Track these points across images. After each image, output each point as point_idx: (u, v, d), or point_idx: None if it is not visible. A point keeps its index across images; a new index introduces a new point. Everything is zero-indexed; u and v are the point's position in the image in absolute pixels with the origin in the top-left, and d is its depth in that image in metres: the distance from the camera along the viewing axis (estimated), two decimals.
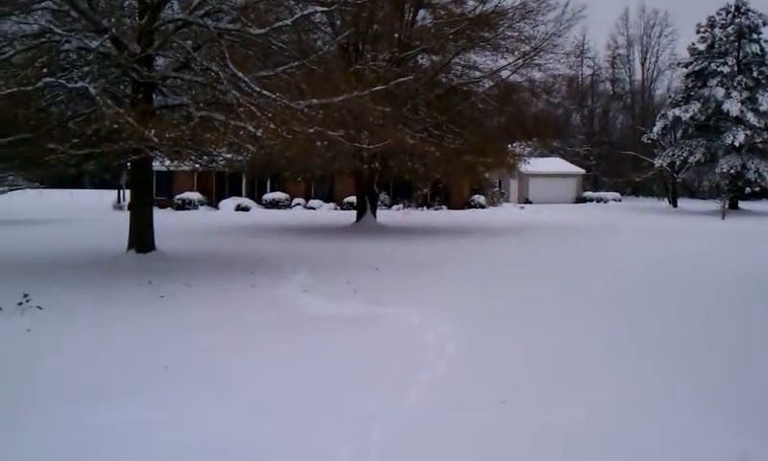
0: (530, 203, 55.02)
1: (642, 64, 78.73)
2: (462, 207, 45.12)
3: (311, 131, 12.93)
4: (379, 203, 32.34)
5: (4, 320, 8.44)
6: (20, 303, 8.86)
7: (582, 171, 62.94)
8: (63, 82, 12.82)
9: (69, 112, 15.42)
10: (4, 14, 13.09)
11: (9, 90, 12.20)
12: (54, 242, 20.58)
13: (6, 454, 4.62)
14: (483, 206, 46.23)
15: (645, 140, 50.04)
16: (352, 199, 36.09)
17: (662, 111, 47.84)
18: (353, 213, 30.61)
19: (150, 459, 4.59)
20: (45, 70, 13.20)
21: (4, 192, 36.96)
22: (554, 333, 8.42)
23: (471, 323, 8.94)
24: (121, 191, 48.22)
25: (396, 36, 24.05)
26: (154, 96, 14.78)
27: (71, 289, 11.50)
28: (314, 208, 44.21)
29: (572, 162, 64.38)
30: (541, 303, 10.53)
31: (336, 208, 43.98)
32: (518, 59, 25.80)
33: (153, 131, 11.92)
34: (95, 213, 39.30)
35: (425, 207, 45.04)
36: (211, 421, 5.27)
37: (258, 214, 39.66)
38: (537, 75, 27.22)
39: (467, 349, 7.58)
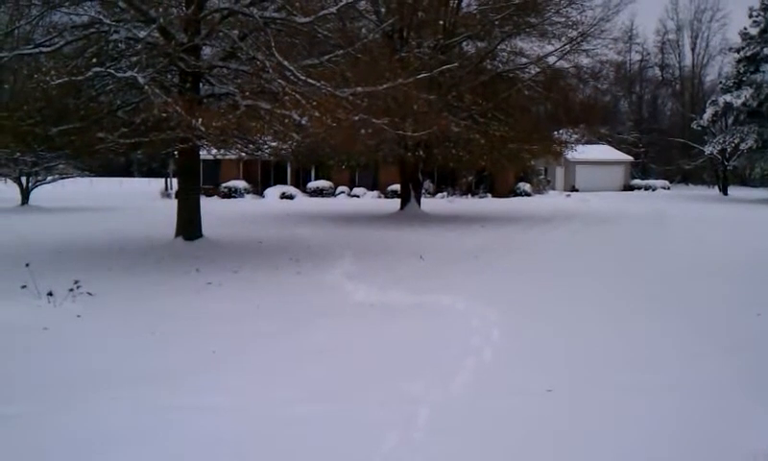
0: (576, 191, 54.34)
1: (692, 50, 77.14)
2: (507, 195, 44.77)
3: (356, 119, 12.92)
4: (423, 191, 32.27)
5: (55, 306, 8.61)
6: (71, 290, 9.03)
7: (630, 158, 61.92)
8: (113, 71, 13.00)
9: (118, 102, 15.66)
10: (54, 6, 13.31)
11: (60, 80, 12.42)
12: (103, 229, 20.97)
13: (59, 436, 4.70)
14: (529, 194, 45.81)
15: (695, 127, 49.05)
16: (396, 187, 36.06)
17: (713, 98, 46.81)
18: (397, 201, 30.58)
19: (195, 442, 4.62)
20: (95, 60, 13.43)
21: (55, 180, 37.73)
22: (602, 321, 8.31)
23: (518, 310, 8.86)
24: (168, 179, 48.98)
25: (441, 22, 23.93)
26: (200, 85, 14.90)
27: (120, 276, 11.71)
28: (358, 196, 44.29)
29: (620, 150, 63.33)
30: (590, 291, 10.40)
31: (380, 197, 44.02)
32: (565, 44, 25.50)
33: (200, 119, 12.03)
34: (143, 201, 39.97)
35: (470, 196, 44.79)
36: (258, 405, 5.30)
37: (303, 202, 39.91)
38: (584, 61, 26.88)
39: (513, 336, 7.51)
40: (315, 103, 12.32)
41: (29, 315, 8.19)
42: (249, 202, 40.66)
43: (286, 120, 13.13)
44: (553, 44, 25.68)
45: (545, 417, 5.11)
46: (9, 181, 38.03)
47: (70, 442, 4.62)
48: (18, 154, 28.41)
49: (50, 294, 8.79)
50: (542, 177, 51.34)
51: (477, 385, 5.84)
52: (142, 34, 12.88)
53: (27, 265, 10.02)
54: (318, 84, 12.55)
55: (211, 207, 24.21)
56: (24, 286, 9.16)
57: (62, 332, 7.66)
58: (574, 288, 10.76)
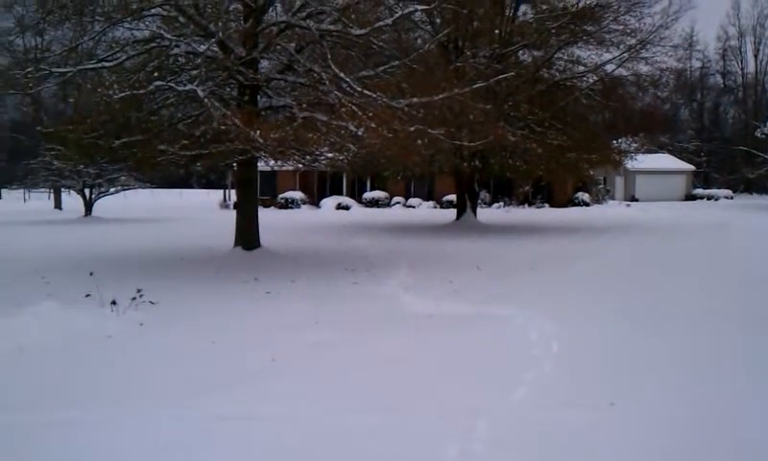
0: (636, 200, 53.37)
1: (755, 56, 74.90)
2: (565, 205, 44.22)
3: (411, 129, 12.92)
4: (479, 201, 32.09)
5: (119, 314, 8.80)
6: (134, 298, 9.21)
7: (691, 167, 60.55)
8: (173, 85, 13.28)
9: (179, 115, 15.95)
10: (117, 21, 13.65)
11: (122, 94, 12.76)
12: (164, 239, 21.41)
13: (119, 445, 4.78)
14: (587, 204, 45.17)
15: (759, 135, 47.84)
16: (452, 197, 35.97)
17: None
18: (453, 212, 30.47)
19: (256, 451, 4.66)
20: (156, 74, 13.74)
21: (117, 192, 38.68)
22: (664, 333, 8.11)
23: (577, 322, 8.71)
24: (227, 191, 49.73)
25: (497, 32, 23.86)
26: (258, 98, 15.10)
27: (182, 285, 11.90)
28: (413, 207, 44.29)
29: (681, 159, 62.01)
30: (652, 303, 10.17)
31: (436, 207, 43.94)
32: (624, 52, 25.15)
33: (258, 132, 12.17)
34: (203, 212, 40.66)
35: (527, 205, 44.41)
36: (316, 414, 5.31)
37: (358, 213, 40.08)
38: (643, 69, 26.39)
39: (573, 349, 7.38)
40: (371, 114, 12.37)
41: (94, 323, 8.37)
42: (305, 212, 41.03)
43: (342, 131, 13.23)
44: (611, 52, 25.36)
45: (608, 431, 5.00)
46: (73, 192, 39.23)
47: (132, 448, 4.70)
48: (82, 166, 29.35)
49: (113, 302, 8.98)
50: (601, 186, 50.60)
51: (537, 398, 5.75)
52: (202, 48, 13.13)
53: (91, 274, 10.29)
54: (374, 96, 12.61)
55: (269, 218, 24.46)
56: (88, 295, 9.38)
57: (126, 340, 7.82)
58: (634, 300, 10.54)
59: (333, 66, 12.70)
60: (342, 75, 12.72)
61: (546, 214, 37.38)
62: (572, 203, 44.90)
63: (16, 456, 4.55)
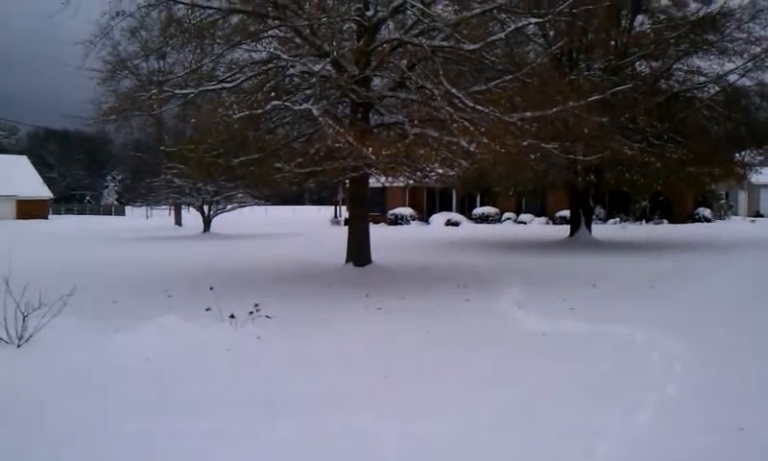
0: (761, 216, 50.74)
1: None
2: (685, 221, 42.52)
3: (524, 144, 12.75)
4: (594, 217, 31.30)
5: (237, 328, 9.03)
6: (251, 313, 9.43)
7: None
8: (289, 104, 13.60)
9: (294, 133, 16.31)
10: (236, 44, 14.12)
11: (241, 114, 13.16)
12: (278, 255, 21.94)
13: (240, 455, 4.87)
14: (708, 220, 43.28)
15: None
16: (565, 213, 35.25)
17: None
18: (566, 228, 29.85)
19: None
20: (273, 94, 14.09)
21: (234, 209, 40.02)
22: None
23: (702, 344, 8.28)
24: (337, 207, 50.63)
25: (613, 43, 23.35)
26: (370, 115, 15.25)
27: (296, 299, 12.13)
28: (525, 223, 43.72)
29: None
30: None
31: (548, 223, 43.20)
32: (748, 61, 24.03)
33: (370, 149, 12.28)
34: (314, 228, 41.48)
35: (644, 221, 42.97)
36: (431, 431, 5.26)
37: (468, 229, 39.87)
38: None
39: (698, 370, 7.03)
40: (483, 129, 12.29)
41: (213, 336, 8.62)
42: (414, 228, 41.17)
43: (454, 147, 13.19)
44: (734, 61, 24.27)
45: (736, 457, 4.73)
46: (192, 209, 40.90)
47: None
48: (201, 184, 30.57)
49: (232, 316, 9.23)
50: (723, 201, 48.45)
51: (661, 421, 5.50)
52: (317, 67, 13.38)
53: (211, 288, 10.60)
54: (486, 110, 12.51)
55: (379, 234, 24.66)
56: (209, 309, 9.67)
57: (244, 353, 8.01)
58: (763, 322, 9.97)
59: (445, 82, 12.66)
60: (454, 90, 12.68)
61: (665, 231, 36.07)
62: (692, 218, 43.15)
63: None
